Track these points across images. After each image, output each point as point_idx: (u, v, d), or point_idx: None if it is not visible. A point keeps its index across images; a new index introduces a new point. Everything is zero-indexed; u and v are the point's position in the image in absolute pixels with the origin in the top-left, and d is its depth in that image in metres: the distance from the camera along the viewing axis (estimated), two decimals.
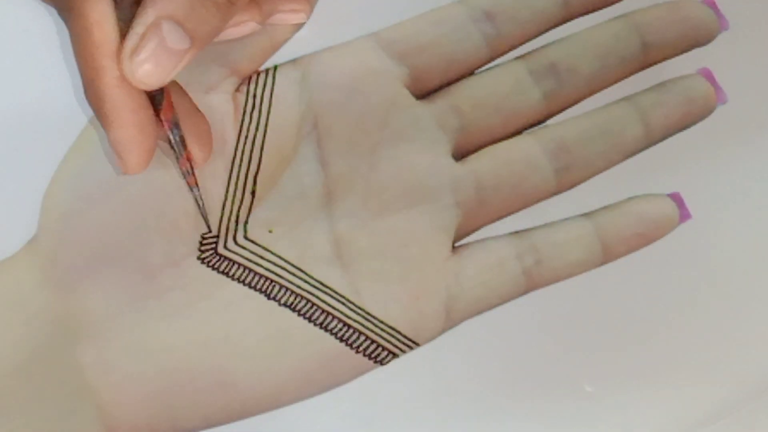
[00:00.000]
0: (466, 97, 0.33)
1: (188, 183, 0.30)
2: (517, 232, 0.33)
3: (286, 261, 0.31)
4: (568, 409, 0.34)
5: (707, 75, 0.34)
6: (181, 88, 0.30)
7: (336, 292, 0.31)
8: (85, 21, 0.26)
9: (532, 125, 0.34)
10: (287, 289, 0.31)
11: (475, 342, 0.34)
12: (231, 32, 0.29)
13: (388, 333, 0.31)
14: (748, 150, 0.37)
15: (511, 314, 0.32)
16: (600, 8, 0.34)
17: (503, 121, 0.33)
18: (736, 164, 0.36)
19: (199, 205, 0.30)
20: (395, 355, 0.31)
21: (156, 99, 0.28)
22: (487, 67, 0.34)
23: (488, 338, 0.34)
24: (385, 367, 0.31)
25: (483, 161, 0.33)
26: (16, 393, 0.28)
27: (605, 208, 0.33)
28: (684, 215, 0.33)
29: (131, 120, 0.27)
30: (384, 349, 0.31)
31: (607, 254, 0.33)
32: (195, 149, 0.29)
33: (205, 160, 0.30)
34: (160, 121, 0.28)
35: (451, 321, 0.32)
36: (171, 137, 0.29)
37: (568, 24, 0.34)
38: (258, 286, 0.31)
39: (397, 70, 0.33)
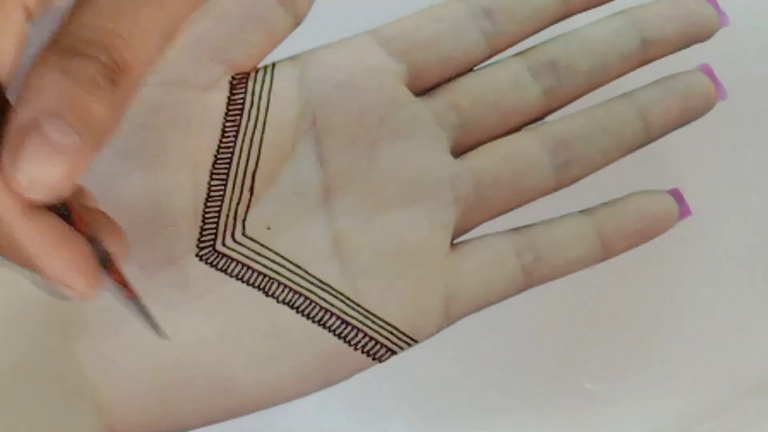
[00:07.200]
0: (465, 93, 0.33)
1: (125, 298, 0.26)
2: (516, 229, 0.33)
3: (284, 258, 0.31)
4: (567, 406, 0.34)
5: (707, 71, 0.34)
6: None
7: (334, 290, 0.31)
8: None
9: (531, 122, 0.34)
10: (286, 286, 0.31)
11: (474, 339, 0.34)
12: None
13: (387, 330, 0.31)
14: (748, 146, 0.37)
15: (510, 311, 0.32)
16: (599, 5, 0.34)
17: (502, 118, 0.33)
18: (736, 160, 0.36)
19: (146, 316, 0.27)
20: (394, 352, 0.31)
21: (62, 215, 0.23)
22: (485, 63, 0.34)
23: (487, 335, 0.34)
24: (383, 364, 0.31)
25: (482, 158, 0.33)
26: (14, 390, 0.28)
27: (604, 204, 0.33)
28: (684, 211, 0.33)
29: (52, 243, 0.23)
30: (382, 346, 0.31)
31: (607, 251, 0.33)
32: (113, 246, 0.26)
33: (127, 252, 0.26)
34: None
35: (449, 318, 0.32)
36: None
37: (567, 20, 0.34)
38: (256, 284, 0.31)
39: (395, 67, 0.33)
